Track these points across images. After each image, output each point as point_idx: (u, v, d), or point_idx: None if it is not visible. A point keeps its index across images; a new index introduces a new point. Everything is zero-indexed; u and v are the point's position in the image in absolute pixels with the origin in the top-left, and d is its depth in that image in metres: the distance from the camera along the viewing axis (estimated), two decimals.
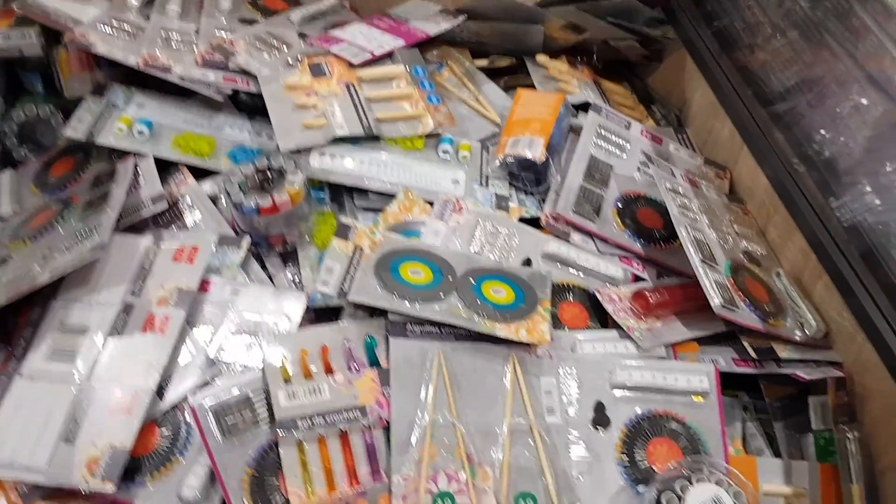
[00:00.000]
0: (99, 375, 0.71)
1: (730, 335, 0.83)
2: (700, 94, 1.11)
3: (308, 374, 0.71)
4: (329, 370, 0.71)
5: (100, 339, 0.73)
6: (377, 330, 0.75)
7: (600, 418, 0.74)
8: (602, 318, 0.83)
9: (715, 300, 0.78)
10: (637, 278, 0.87)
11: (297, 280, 0.83)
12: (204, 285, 0.78)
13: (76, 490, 0.65)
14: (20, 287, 0.72)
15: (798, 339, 0.82)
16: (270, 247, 0.84)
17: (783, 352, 0.82)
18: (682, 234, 0.82)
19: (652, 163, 0.93)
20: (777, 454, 0.80)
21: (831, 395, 0.81)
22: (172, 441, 0.69)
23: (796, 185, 0.90)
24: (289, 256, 0.86)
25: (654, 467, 0.71)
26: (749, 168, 0.98)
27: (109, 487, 0.65)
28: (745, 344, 0.81)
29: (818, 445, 0.80)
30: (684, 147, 1.05)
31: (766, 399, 0.83)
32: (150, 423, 0.70)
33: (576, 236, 0.89)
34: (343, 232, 0.79)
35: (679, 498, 0.65)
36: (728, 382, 0.81)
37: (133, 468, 0.67)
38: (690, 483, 0.65)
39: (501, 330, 0.74)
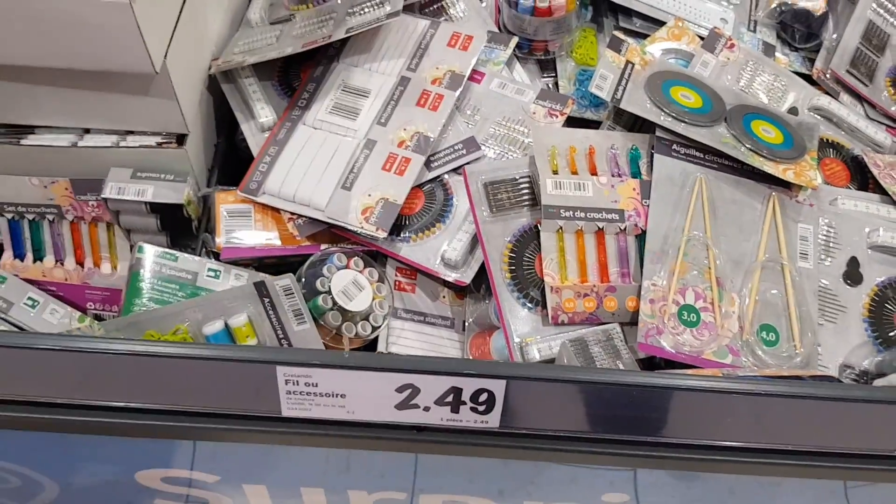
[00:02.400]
0: (377, 136, 0.74)
1: None
2: None
3: (574, 171, 0.72)
4: (594, 171, 0.73)
5: (379, 103, 0.76)
6: (642, 143, 0.75)
7: (853, 273, 0.72)
8: (862, 182, 0.80)
9: None
10: None
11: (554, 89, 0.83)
12: (474, 75, 0.79)
13: (347, 232, 0.70)
14: (314, 38, 0.75)
15: None
16: (533, 52, 0.85)
17: None
18: None
19: None
20: None
21: None
22: (436, 208, 0.73)
23: None
24: (545, 65, 0.86)
25: None
26: None
27: (381, 234, 0.69)
28: None
29: None
30: None
31: None
32: (416, 189, 0.73)
33: (845, 97, 0.85)
34: (615, 45, 0.79)
35: None
36: None
37: (399, 224, 0.72)
38: None
39: (769, 167, 0.73)
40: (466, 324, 0.72)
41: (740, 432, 0.57)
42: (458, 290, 0.74)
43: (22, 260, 0.77)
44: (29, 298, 0.74)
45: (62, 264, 0.77)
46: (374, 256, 0.73)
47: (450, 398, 0.54)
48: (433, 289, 0.73)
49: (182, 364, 0.52)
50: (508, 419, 0.55)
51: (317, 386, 0.54)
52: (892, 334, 0.70)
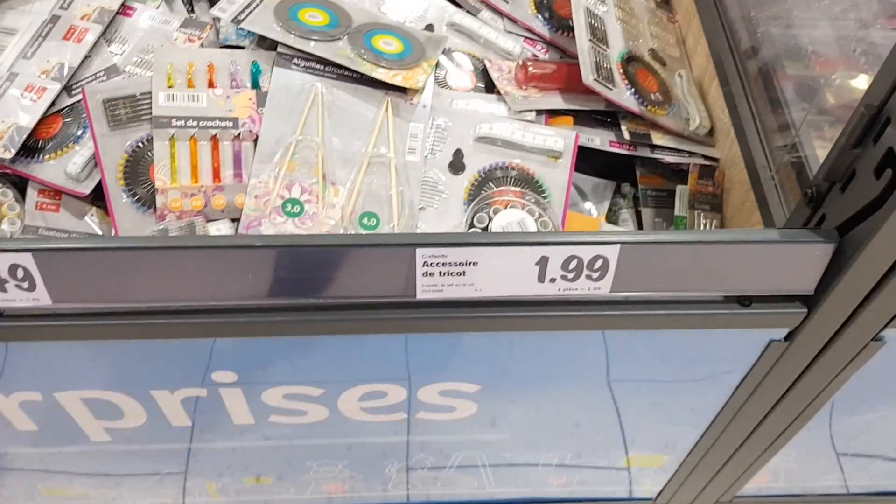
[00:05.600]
0: (20, 69, 0.80)
1: (616, 124, 0.88)
2: None
3: (192, 86, 0.78)
4: (212, 86, 0.79)
5: (26, 39, 0.82)
6: (267, 60, 0.82)
7: (456, 164, 0.80)
8: (490, 89, 0.88)
9: (587, 73, 0.82)
10: None
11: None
12: (126, 10, 0.86)
13: None
14: None
15: (677, 129, 0.86)
16: None
17: (659, 140, 0.86)
18: (577, 14, 0.85)
19: None
20: None
21: (692, 180, 0.85)
22: (72, 131, 0.79)
23: None
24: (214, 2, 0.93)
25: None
26: None
27: (7, 154, 0.75)
28: (623, 127, 0.86)
29: (676, 227, 0.85)
30: None
31: (640, 186, 0.88)
32: (56, 114, 0.79)
33: (486, 14, 0.93)
34: None
35: (489, 219, 0.71)
36: (615, 174, 0.86)
37: (37, 147, 0.77)
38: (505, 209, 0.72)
39: (380, 74, 0.80)
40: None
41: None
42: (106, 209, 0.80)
43: None
44: None
45: None
46: (23, 183, 0.78)
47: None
48: (80, 208, 0.79)
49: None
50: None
51: None
52: (485, 207, 0.77)
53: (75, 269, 0.59)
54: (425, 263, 0.60)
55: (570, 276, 0.61)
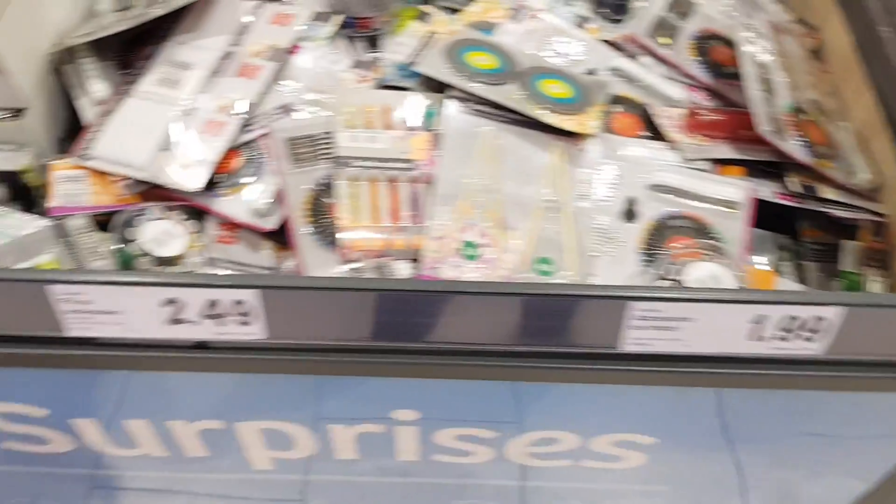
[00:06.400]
0: (198, 104, 0.82)
1: (778, 174, 0.86)
2: None
3: (370, 126, 0.79)
4: (388, 127, 0.80)
5: (202, 74, 0.83)
6: (438, 102, 0.82)
7: (629, 211, 0.79)
8: (655, 136, 0.87)
9: (762, 124, 0.81)
10: None
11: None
12: (295, 49, 0.87)
13: (167, 190, 0.78)
14: (144, 18, 0.83)
15: (844, 182, 0.84)
16: (358, 29, 0.92)
17: (827, 193, 0.84)
18: (745, 63, 0.85)
19: (737, 8, 0.95)
20: None
21: (864, 236, 0.83)
22: (250, 167, 0.80)
23: (879, 48, 0.90)
24: (373, 42, 0.94)
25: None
26: (835, 29, 0.98)
27: (195, 188, 0.76)
28: (791, 179, 0.84)
29: (844, 284, 0.83)
30: (775, 2, 1.05)
31: (804, 239, 0.86)
32: (233, 150, 0.80)
33: (647, 59, 0.92)
34: (423, 17, 0.86)
35: (679, 272, 0.70)
36: (771, 224, 0.85)
37: (216, 182, 0.79)
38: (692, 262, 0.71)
39: (551, 118, 0.80)
40: (284, 270, 0.79)
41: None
42: (280, 243, 0.81)
43: None
44: None
45: None
46: (201, 215, 0.80)
47: (214, 311, 0.60)
48: (255, 242, 0.80)
49: None
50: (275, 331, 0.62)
51: (92, 304, 0.60)
52: (662, 258, 0.76)
53: (295, 306, 0.60)
54: (638, 317, 0.59)
55: (785, 335, 0.60)
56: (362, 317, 0.60)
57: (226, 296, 0.60)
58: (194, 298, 0.60)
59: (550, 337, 0.61)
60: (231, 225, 0.79)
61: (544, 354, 0.63)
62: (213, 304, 0.60)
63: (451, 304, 0.59)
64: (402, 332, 0.60)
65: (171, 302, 0.60)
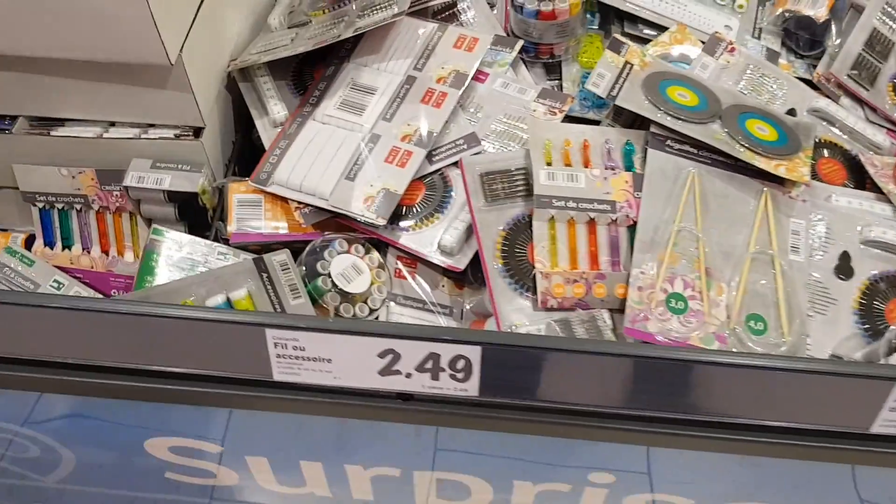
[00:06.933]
0: (381, 130, 0.78)
1: None
2: None
3: (568, 163, 0.75)
4: (587, 164, 0.75)
5: (385, 100, 0.80)
6: (637, 139, 0.77)
7: (844, 267, 0.73)
8: (859, 182, 0.81)
9: None
10: None
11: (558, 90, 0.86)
12: (479, 75, 0.83)
13: (349, 220, 0.74)
14: (325, 39, 0.80)
15: None
16: (539, 55, 0.88)
17: None
18: None
19: None
20: None
21: None
22: (435, 199, 0.76)
23: None
24: (551, 68, 0.89)
25: (892, 326, 0.70)
26: None
27: (381, 221, 0.72)
28: None
29: None
30: None
31: None
32: (418, 181, 0.77)
33: (846, 101, 0.86)
34: (616, 46, 0.81)
35: None
36: None
37: (399, 214, 0.75)
38: None
39: (760, 162, 0.74)
40: (464, 311, 0.75)
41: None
42: (457, 281, 0.77)
43: (52, 248, 0.82)
44: (55, 281, 0.79)
45: (88, 252, 0.82)
46: (378, 246, 0.76)
47: (429, 364, 0.56)
48: (433, 278, 0.76)
49: (180, 325, 0.56)
50: (488, 388, 0.57)
51: (304, 350, 0.57)
52: (881, 326, 0.70)
53: (513, 364, 0.56)
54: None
55: None
56: (595, 380, 0.56)
57: (447, 351, 0.56)
58: (413, 351, 0.56)
59: (789, 413, 0.55)
60: (408, 260, 0.75)
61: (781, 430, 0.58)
62: (432, 357, 0.56)
63: (723, 377, 0.54)
64: (655, 400, 0.56)
65: (388, 353, 0.56)
